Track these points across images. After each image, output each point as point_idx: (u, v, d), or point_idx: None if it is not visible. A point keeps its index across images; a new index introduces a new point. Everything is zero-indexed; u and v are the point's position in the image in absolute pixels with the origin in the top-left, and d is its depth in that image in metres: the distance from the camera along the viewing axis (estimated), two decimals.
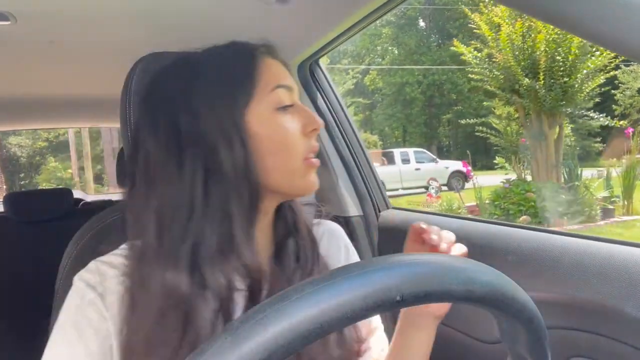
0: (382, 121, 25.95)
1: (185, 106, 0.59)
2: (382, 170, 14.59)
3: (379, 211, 1.48)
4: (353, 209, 1.47)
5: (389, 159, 15.75)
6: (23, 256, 1.95)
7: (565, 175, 6.73)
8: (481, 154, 21.52)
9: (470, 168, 7.71)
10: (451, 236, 0.64)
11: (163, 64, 0.82)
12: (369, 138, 22.53)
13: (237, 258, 0.58)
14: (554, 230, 0.96)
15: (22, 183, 24.40)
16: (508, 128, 8.95)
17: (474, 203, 7.20)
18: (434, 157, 16.19)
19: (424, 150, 16.97)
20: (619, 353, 0.76)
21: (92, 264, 0.62)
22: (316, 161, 0.65)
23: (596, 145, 16.59)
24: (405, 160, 15.47)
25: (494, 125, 9.34)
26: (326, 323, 0.32)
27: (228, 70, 0.62)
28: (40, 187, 21.68)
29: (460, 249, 0.63)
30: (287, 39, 1.22)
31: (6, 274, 1.88)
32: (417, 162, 15.53)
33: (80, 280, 0.61)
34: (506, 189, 6.58)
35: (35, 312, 1.36)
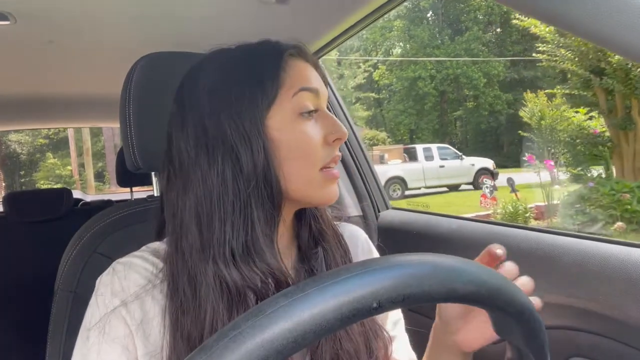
0: (392, 117, 25.32)
1: (210, 105, 0.59)
2: (404, 168, 14.18)
3: (379, 211, 1.48)
4: (352, 210, 1.47)
5: (411, 156, 15.11)
6: (22, 256, 1.95)
7: None
8: (496, 151, 20.87)
9: (553, 163, 6.61)
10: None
11: (163, 64, 0.82)
12: (377, 135, 21.97)
13: (260, 259, 0.57)
14: (554, 231, 0.96)
15: (22, 181, 24.17)
16: (542, 122, 7.95)
17: (532, 205, 6.07)
18: (459, 153, 15.20)
19: (448, 146, 16.05)
20: (619, 353, 0.76)
21: (113, 266, 0.62)
22: (336, 172, 0.63)
23: None
24: (429, 157, 14.61)
25: (525, 119, 8.50)
26: (300, 336, 0.32)
27: (253, 71, 0.61)
28: (38, 186, 21.48)
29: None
30: (286, 39, 1.21)
31: (5, 273, 1.88)
32: (441, 158, 14.64)
33: (103, 285, 0.60)
34: (590, 188, 5.43)
35: (35, 312, 1.36)
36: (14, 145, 24.12)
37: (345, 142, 1.48)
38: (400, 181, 13.82)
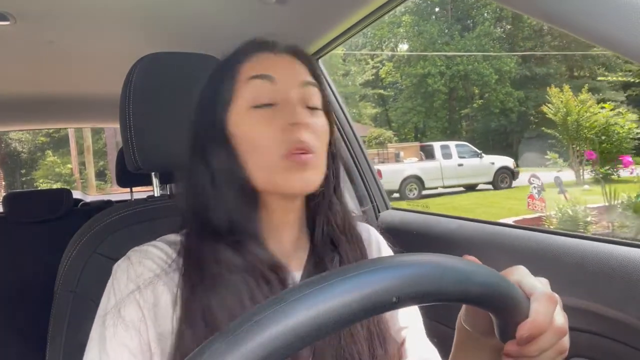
0: (400, 115, 24.57)
1: (193, 106, 0.65)
2: (421, 166, 13.59)
3: (379, 212, 1.48)
4: (352, 210, 1.46)
5: (428, 154, 14.45)
6: (22, 256, 1.95)
7: None
8: (507, 150, 20.40)
9: (631, 159, 5.87)
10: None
11: (163, 64, 0.82)
12: (383, 134, 21.56)
13: (248, 251, 0.61)
14: (554, 231, 0.96)
15: (23, 180, 24.00)
16: (569, 118, 7.53)
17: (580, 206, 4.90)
18: (479, 151, 14.36)
19: (467, 144, 15.15)
20: (619, 353, 0.76)
21: (129, 254, 0.65)
22: (304, 158, 0.62)
23: None
24: (447, 155, 13.81)
25: (549, 115, 8.04)
26: (324, 325, 0.33)
27: (217, 70, 0.66)
28: (37, 184, 21.31)
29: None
30: (286, 39, 1.21)
31: (5, 274, 1.88)
32: (459, 156, 13.85)
33: (120, 271, 0.63)
34: None
35: (35, 312, 1.36)
36: (15, 144, 24.01)
37: (345, 142, 1.48)
38: (417, 180, 13.23)
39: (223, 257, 0.60)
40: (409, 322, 0.74)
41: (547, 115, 8.21)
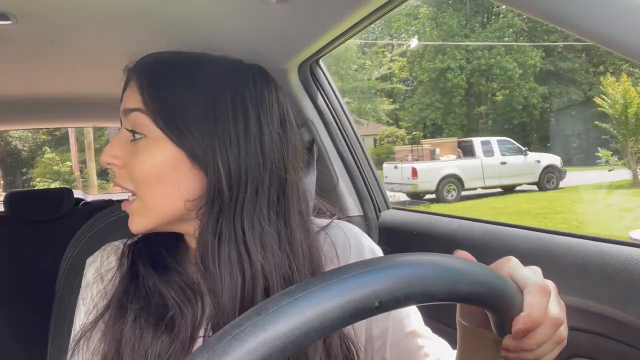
0: (417, 111, 23.62)
1: None
2: (459, 165, 12.56)
3: (380, 211, 1.49)
4: (353, 210, 1.47)
5: (467, 151, 13.43)
6: (23, 256, 1.96)
7: None
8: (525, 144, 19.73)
9: None
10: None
11: None
12: (396, 132, 20.72)
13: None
14: (554, 231, 0.96)
15: (24, 178, 23.77)
16: (630, 110, 6.98)
17: None
18: (523, 148, 13.33)
19: (510, 140, 14.01)
20: (619, 353, 0.77)
21: (103, 247, 0.73)
22: (123, 204, 0.66)
23: None
24: (488, 152, 12.74)
25: (603, 108, 7.43)
26: (303, 335, 0.33)
27: None
28: (34, 183, 21.07)
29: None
30: (288, 39, 1.21)
31: (6, 273, 1.88)
32: (501, 154, 12.79)
33: (88, 264, 0.72)
34: None
35: (36, 312, 1.37)
36: (15, 142, 23.81)
37: (346, 142, 1.48)
38: (456, 180, 12.26)
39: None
40: (421, 330, 0.71)
41: (600, 109, 7.45)
